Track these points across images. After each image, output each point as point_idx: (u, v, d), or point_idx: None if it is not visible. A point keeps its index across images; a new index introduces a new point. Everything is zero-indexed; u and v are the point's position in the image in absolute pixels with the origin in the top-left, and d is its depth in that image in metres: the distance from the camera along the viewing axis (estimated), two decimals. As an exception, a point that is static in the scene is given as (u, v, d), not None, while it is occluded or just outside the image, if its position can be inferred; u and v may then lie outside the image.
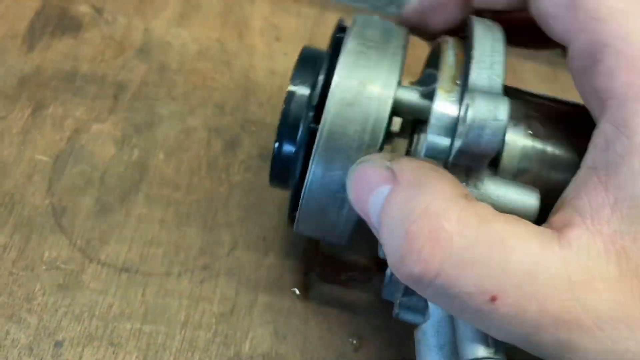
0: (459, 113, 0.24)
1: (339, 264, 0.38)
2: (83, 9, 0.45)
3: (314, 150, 0.26)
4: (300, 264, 0.37)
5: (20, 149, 0.38)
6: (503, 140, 0.24)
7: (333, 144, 0.25)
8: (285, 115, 0.29)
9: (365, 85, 0.25)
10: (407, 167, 0.23)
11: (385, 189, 0.23)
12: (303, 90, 0.29)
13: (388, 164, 0.23)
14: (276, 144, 0.29)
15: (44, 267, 0.34)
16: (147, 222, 0.37)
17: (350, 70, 0.26)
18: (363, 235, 0.37)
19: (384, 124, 0.25)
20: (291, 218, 0.30)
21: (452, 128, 0.24)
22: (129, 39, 0.44)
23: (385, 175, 0.23)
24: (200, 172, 0.40)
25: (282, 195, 0.40)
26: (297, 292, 0.36)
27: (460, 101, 0.24)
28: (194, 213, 0.38)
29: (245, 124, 0.43)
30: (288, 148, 0.29)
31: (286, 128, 0.29)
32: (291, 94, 0.29)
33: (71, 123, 0.40)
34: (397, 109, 0.26)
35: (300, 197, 0.27)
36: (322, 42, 0.49)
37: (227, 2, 0.49)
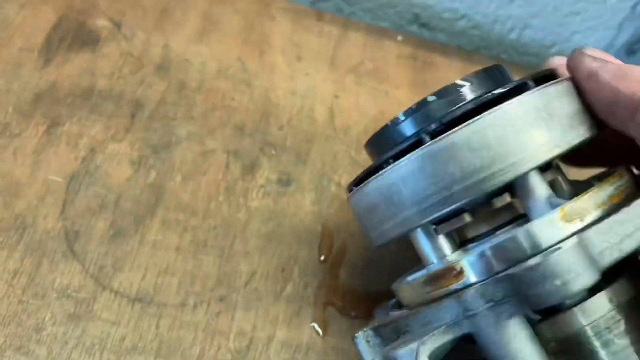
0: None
1: (360, 295, 0.37)
2: (101, 22, 0.44)
3: (424, 148, 0.25)
4: (320, 296, 0.36)
5: (34, 168, 0.37)
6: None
7: (442, 158, 0.24)
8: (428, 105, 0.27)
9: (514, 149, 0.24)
10: None
11: None
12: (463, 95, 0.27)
13: None
14: (400, 117, 0.27)
15: (55, 295, 0.33)
16: (162, 249, 0.36)
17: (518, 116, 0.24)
18: (384, 267, 0.36)
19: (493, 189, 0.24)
20: (350, 188, 0.29)
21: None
22: (148, 55, 0.43)
23: None
24: (218, 197, 0.38)
25: (301, 224, 0.38)
26: (317, 327, 0.35)
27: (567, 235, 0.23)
28: (211, 240, 0.37)
29: (265, 146, 0.41)
30: (407, 127, 0.27)
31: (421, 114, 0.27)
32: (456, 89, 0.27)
33: (87, 142, 0.38)
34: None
35: (374, 174, 0.26)
36: (345, 61, 0.48)
37: (247, 19, 0.48)
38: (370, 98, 0.46)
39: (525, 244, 0.23)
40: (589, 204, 0.24)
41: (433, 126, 0.25)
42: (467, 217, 0.25)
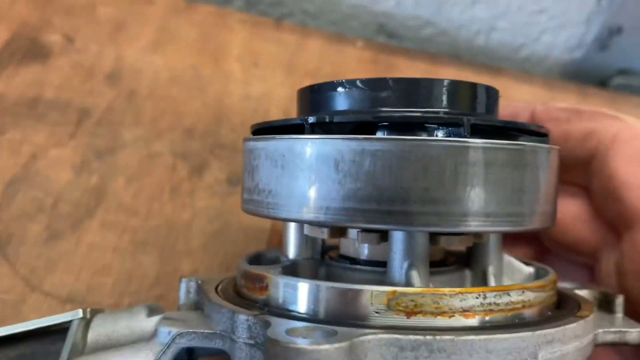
0: None
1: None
2: (54, 37, 0.44)
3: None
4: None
5: (-29, 174, 0.36)
6: None
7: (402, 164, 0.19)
8: None
9: None
10: None
11: None
12: None
13: None
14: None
15: (-19, 297, 0.31)
16: (99, 250, 0.34)
17: None
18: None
19: None
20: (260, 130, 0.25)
21: None
22: (99, 66, 0.43)
23: None
24: (162, 198, 0.37)
25: (250, 222, 0.36)
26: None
27: None
28: (152, 240, 0.35)
29: (215, 148, 0.40)
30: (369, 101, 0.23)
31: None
32: None
33: (28, 149, 0.37)
34: None
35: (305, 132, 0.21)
36: (303, 67, 0.47)
37: (204, 30, 0.47)
38: (328, 100, 0.45)
39: (291, 301, 0.20)
40: (433, 301, 0.19)
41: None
42: (358, 237, 0.22)
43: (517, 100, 0.48)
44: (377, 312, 0.19)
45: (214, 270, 0.34)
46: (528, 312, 0.20)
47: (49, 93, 0.41)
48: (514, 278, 0.25)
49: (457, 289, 0.19)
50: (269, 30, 0.49)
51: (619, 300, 0.24)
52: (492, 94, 0.24)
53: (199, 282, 0.25)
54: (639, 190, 0.26)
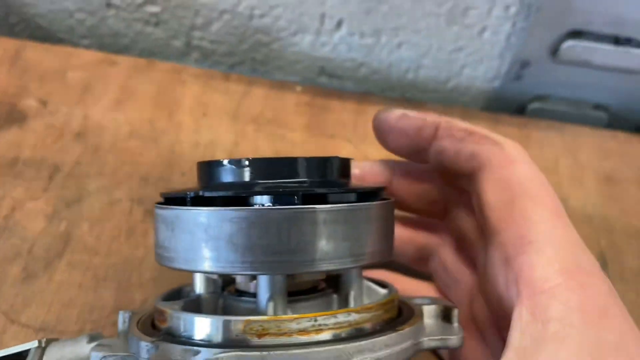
0: None
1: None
2: (29, 102, 0.51)
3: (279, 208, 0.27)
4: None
5: (-39, 228, 0.43)
6: None
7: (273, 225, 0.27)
8: None
9: None
10: None
11: None
12: None
13: None
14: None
15: (-30, 331, 0.38)
16: (66, 286, 0.41)
17: None
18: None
19: None
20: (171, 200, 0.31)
21: None
22: (69, 126, 0.50)
23: None
24: (120, 239, 0.44)
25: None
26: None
27: None
28: (111, 276, 0.42)
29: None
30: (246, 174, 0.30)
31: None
32: None
33: (8, 202, 0.45)
34: None
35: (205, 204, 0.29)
36: (247, 114, 0.54)
37: (160, 86, 0.55)
38: (267, 142, 0.52)
39: (185, 329, 0.27)
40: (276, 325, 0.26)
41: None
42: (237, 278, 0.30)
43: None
44: (237, 335, 0.26)
45: (161, 299, 0.41)
46: (356, 328, 0.27)
47: (26, 153, 0.48)
48: (372, 298, 0.32)
49: (295, 315, 0.26)
50: (218, 81, 0.56)
51: (455, 312, 0.31)
52: (343, 163, 0.30)
53: (131, 314, 0.32)
54: (497, 211, 0.31)
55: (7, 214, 0.44)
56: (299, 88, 0.57)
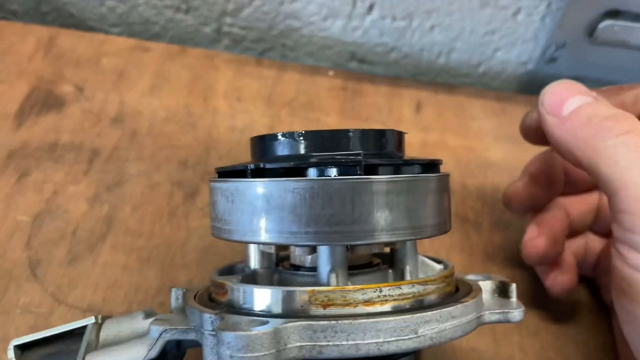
0: None
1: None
2: (67, 88, 0.51)
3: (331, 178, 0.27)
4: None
5: (5, 211, 0.43)
6: None
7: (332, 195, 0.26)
8: None
9: None
10: None
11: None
12: None
13: None
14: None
15: (19, 312, 0.39)
16: (111, 268, 0.42)
17: None
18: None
19: None
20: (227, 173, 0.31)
21: None
22: (105, 111, 0.51)
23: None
24: (162, 221, 0.44)
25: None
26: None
27: None
28: (154, 257, 0.42)
29: (205, 175, 0.47)
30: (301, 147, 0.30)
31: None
32: None
33: (50, 186, 0.45)
34: None
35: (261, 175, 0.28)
36: (280, 98, 0.54)
37: (194, 72, 0.55)
38: (302, 126, 0.52)
39: (245, 301, 0.27)
40: (341, 296, 0.26)
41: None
42: (296, 250, 0.30)
43: (471, 114, 0.55)
44: (302, 306, 0.26)
45: (206, 280, 0.41)
46: (420, 300, 0.27)
47: (65, 137, 0.48)
48: (428, 273, 0.31)
49: (360, 286, 0.26)
50: (251, 66, 0.56)
51: (512, 287, 0.31)
52: (399, 136, 0.30)
53: (184, 291, 0.32)
54: None
55: (49, 197, 0.45)
56: (331, 72, 0.57)
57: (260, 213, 0.27)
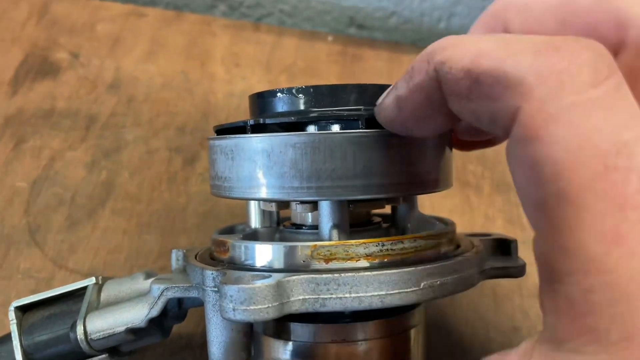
0: None
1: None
2: (61, 55, 0.51)
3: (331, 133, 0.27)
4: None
5: (3, 178, 0.43)
6: None
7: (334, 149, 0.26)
8: None
9: None
10: None
11: None
12: None
13: None
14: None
15: (20, 276, 0.39)
16: (111, 233, 0.41)
17: None
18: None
19: None
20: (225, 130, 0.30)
21: None
22: (101, 77, 0.50)
23: None
24: (161, 187, 0.44)
25: (235, 202, 0.43)
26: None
27: None
28: (154, 222, 0.42)
29: (204, 141, 0.47)
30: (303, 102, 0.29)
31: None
32: None
33: (47, 153, 0.45)
34: None
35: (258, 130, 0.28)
36: (279, 64, 0.54)
37: (190, 37, 0.54)
38: (301, 92, 0.52)
39: (247, 258, 0.27)
40: (343, 250, 0.26)
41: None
42: (297, 208, 0.29)
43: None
44: (304, 261, 0.26)
45: (207, 244, 0.41)
46: (421, 254, 0.27)
47: (61, 104, 0.48)
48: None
49: (362, 240, 0.26)
50: (249, 32, 0.56)
51: (513, 244, 0.31)
52: None
53: (185, 251, 0.32)
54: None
55: (46, 163, 0.44)
56: (330, 37, 0.56)
57: (261, 169, 0.26)
